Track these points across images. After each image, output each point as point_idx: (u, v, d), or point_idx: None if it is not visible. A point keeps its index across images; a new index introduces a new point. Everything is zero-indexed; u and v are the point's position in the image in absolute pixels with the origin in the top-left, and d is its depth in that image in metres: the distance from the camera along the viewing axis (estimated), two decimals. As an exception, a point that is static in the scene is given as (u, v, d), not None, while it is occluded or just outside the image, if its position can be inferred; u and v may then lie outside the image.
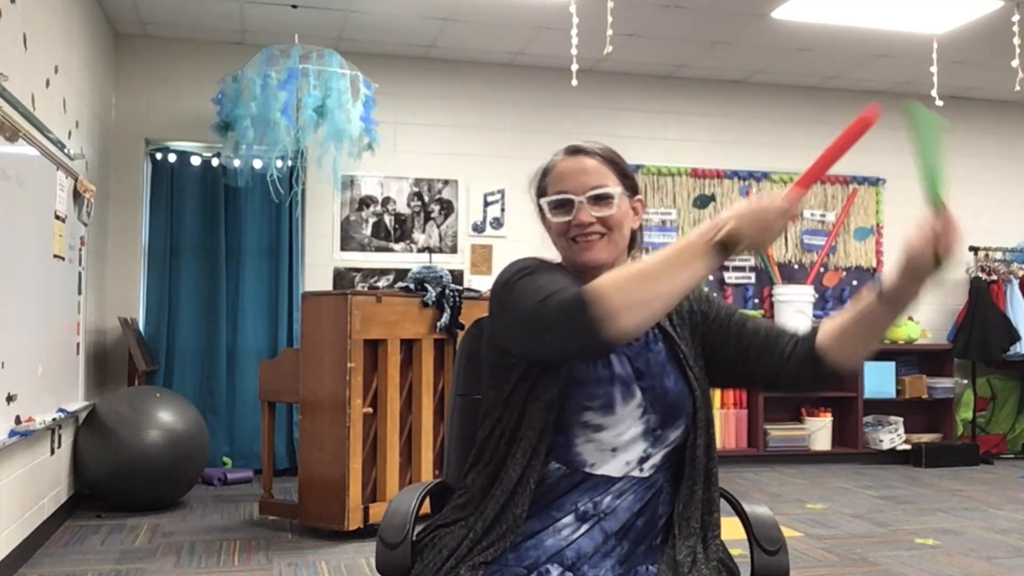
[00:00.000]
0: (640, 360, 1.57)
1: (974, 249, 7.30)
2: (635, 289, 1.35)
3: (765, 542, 1.60)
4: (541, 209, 1.64)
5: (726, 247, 1.37)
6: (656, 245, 6.98)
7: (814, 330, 1.58)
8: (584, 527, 1.50)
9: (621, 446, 1.52)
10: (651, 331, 1.61)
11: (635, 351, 1.58)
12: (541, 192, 1.64)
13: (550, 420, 1.51)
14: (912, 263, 1.40)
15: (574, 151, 1.62)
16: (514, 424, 1.53)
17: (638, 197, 1.65)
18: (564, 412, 1.52)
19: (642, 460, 1.53)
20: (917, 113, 1.34)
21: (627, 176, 1.63)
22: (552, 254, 1.65)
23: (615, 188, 1.59)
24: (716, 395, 6.76)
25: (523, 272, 1.52)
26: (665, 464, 1.56)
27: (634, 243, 1.66)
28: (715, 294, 1.57)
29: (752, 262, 7.15)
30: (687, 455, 1.56)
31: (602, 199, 1.57)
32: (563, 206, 1.58)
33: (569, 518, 1.51)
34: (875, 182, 7.43)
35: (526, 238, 6.53)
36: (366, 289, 6.07)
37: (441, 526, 1.59)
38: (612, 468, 1.52)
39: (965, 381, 7.26)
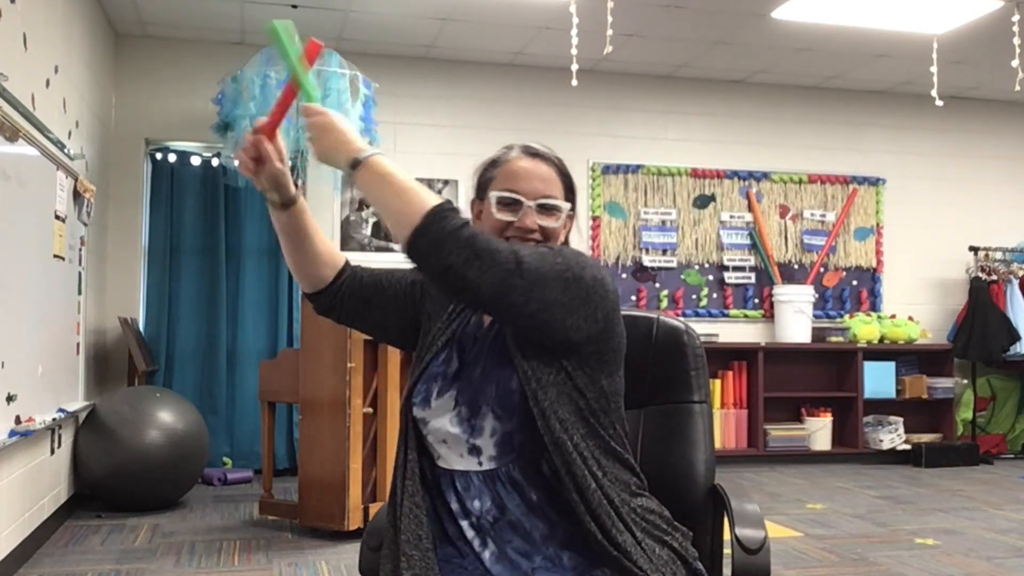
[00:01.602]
0: (471, 347, 1.58)
1: (974, 249, 7.30)
2: None
3: (746, 540, 1.58)
4: (482, 199, 1.62)
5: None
6: (656, 245, 6.99)
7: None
8: (477, 539, 1.49)
9: (448, 438, 1.52)
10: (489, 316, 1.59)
11: (473, 336, 1.59)
12: (487, 181, 1.62)
13: (406, 421, 1.57)
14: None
15: (532, 153, 1.61)
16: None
17: (571, 212, 1.64)
18: (405, 410, 1.59)
19: (474, 451, 1.51)
20: (276, 31, 1.45)
21: (572, 192, 1.63)
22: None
23: (563, 203, 1.59)
24: (716, 396, 6.76)
25: None
26: (506, 456, 1.49)
27: None
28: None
29: (752, 262, 7.16)
30: (545, 458, 1.48)
31: (550, 210, 1.57)
32: (510, 205, 1.57)
33: (466, 524, 1.50)
34: (875, 182, 7.43)
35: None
36: (366, 289, 6.06)
37: None
38: (453, 460, 1.52)
39: (965, 381, 7.26)
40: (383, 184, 1.42)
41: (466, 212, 1.59)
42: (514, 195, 1.56)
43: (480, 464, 1.50)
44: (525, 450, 1.49)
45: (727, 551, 1.61)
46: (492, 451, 1.50)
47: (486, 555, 1.47)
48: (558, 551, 1.46)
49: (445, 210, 1.37)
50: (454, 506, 1.52)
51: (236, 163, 1.57)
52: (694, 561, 1.54)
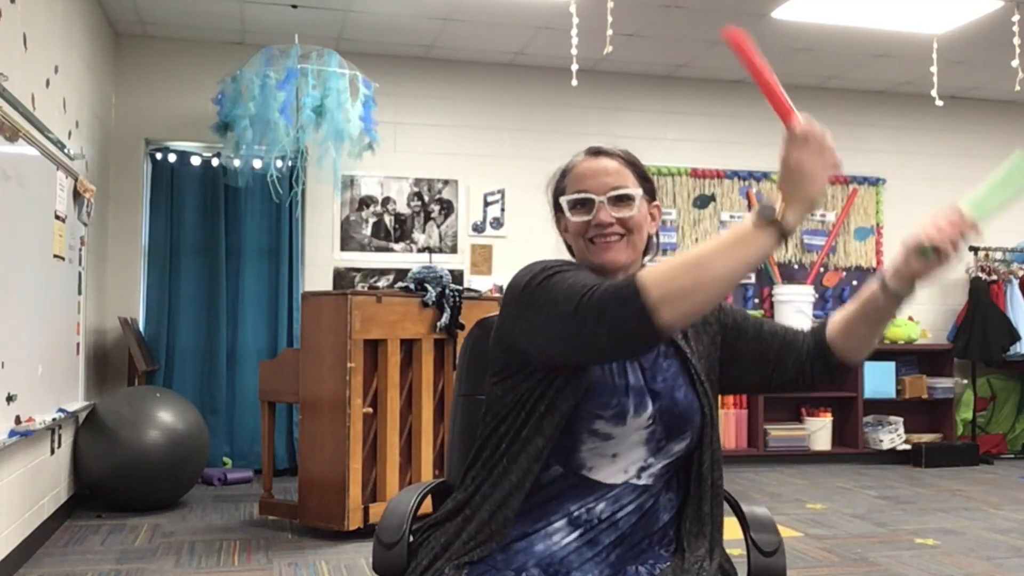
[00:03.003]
0: (652, 372, 1.57)
1: (974, 249, 7.29)
2: (685, 275, 1.28)
3: (762, 543, 1.59)
4: (559, 209, 1.63)
5: (778, 224, 1.30)
6: (656, 245, 6.98)
7: (823, 324, 1.62)
8: (575, 533, 1.49)
9: (622, 453, 1.51)
10: (662, 345, 1.60)
11: (647, 363, 1.57)
12: (559, 192, 1.63)
13: (560, 427, 1.48)
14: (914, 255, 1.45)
15: (595, 152, 1.62)
16: (520, 426, 1.50)
17: (655, 203, 1.65)
18: (575, 419, 1.49)
19: (641, 469, 1.52)
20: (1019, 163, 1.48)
21: (646, 180, 1.63)
22: (565, 256, 1.66)
23: (635, 190, 1.58)
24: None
25: (548, 271, 1.46)
26: (664, 473, 1.55)
27: (650, 248, 1.66)
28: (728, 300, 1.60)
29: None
30: (694, 472, 1.56)
31: (623, 200, 1.57)
32: (583, 205, 1.57)
33: (561, 522, 1.50)
34: (875, 182, 7.43)
35: (526, 238, 6.53)
36: (366, 289, 6.07)
37: (434, 525, 1.59)
38: (609, 474, 1.51)
39: (965, 381, 7.26)
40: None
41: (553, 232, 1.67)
42: (583, 195, 1.57)
43: (639, 478, 1.53)
44: (683, 467, 1.57)
45: (737, 551, 1.61)
46: (657, 470, 1.54)
47: (567, 538, 1.49)
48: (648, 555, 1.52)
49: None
50: (578, 512, 1.51)
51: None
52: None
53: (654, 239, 1.66)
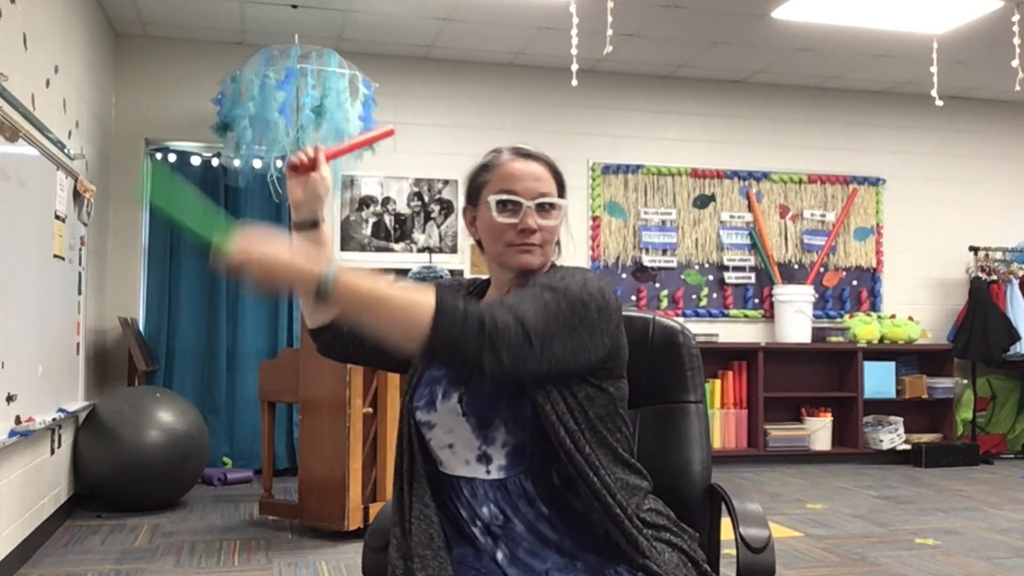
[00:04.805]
0: None
1: (974, 249, 7.30)
2: None
3: (751, 540, 1.57)
4: (475, 205, 1.62)
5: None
6: (656, 245, 6.99)
7: None
8: (490, 545, 1.48)
9: (456, 443, 1.51)
10: None
11: None
12: (479, 187, 1.62)
13: (408, 424, 1.56)
14: None
15: (524, 154, 1.60)
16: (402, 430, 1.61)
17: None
18: (411, 417, 1.56)
19: (483, 459, 1.50)
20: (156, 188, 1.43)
21: (564, 189, 1.63)
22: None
23: (561, 201, 1.59)
24: (716, 396, 6.76)
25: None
26: (520, 466, 1.49)
27: (555, 251, 1.67)
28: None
29: (752, 262, 7.16)
30: (574, 475, 1.47)
31: (548, 209, 1.57)
32: (508, 208, 1.56)
33: (477, 530, 1.49)
34: (875, 182, 7.43)
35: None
36: (366, 289, 6.06)
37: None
38: (457, 467, 1.51)
39: (965, 381, 7.26)
40: (366, 303, 1.33)
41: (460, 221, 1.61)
42: (513, 196, 1.56)
43: (488, 472, 1.49)
44: (535, 461, 1.49)
45: (725, 551, 1.61)
46: (502, 461, 1.49)
47: (499, 556, 1.47)
48: (571, 555, 1.46)
49: (444, 307, 1.32)
50: (463, 512, 1.50)
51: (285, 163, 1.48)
52: (703, 563, 1.54)
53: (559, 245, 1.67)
